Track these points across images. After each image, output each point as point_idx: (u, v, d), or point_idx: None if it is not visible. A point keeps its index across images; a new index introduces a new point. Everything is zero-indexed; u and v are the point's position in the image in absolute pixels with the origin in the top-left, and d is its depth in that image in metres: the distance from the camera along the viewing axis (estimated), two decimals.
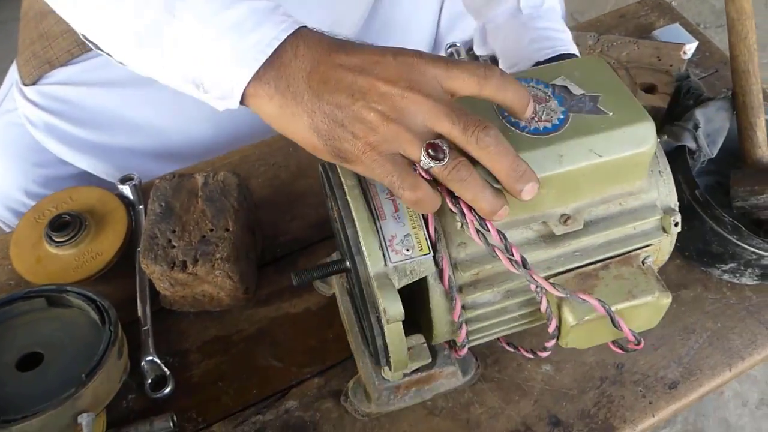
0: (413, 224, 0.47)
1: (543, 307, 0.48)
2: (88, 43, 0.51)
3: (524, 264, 0.45)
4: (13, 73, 0.86)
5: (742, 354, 0.64)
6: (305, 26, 0.44)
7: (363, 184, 0.48)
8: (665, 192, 0.52)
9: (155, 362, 0.62)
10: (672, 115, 0.74)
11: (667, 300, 0.50)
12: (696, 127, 0.68)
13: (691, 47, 0.87)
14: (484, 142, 0.42)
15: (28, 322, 0.61)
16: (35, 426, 0.52)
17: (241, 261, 0.64)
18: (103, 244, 0.69)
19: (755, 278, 0.66)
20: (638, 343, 0.50)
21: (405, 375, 0.57)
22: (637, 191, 0.50)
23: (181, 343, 0.65)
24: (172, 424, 0.58)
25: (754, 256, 0.63)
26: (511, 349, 0.59)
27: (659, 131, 0.72)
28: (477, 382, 0.62)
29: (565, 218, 0.48)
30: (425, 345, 0.53)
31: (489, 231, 0.44)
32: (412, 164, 0.43)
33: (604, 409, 0.60)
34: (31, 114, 0.81)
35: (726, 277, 0.67)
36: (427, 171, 0.43)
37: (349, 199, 0.47)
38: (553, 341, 0.51)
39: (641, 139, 0.46)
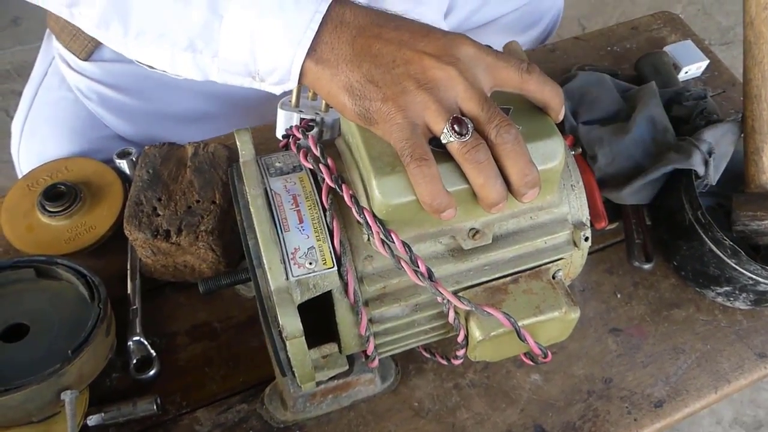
0: (318, 236, 0.45)
1: (450, 318, 0.48)
2: (140, 65, 0.51)
3: (430, 276, 0.45)
4: (50, 50, 0.83)
5: (728, 377, 0.64)
6: None
7: (268, 193, 0.47)
8: (576, 206, 0.51)
9: (142, 343, 0.61)
10: (678, 131, 0.74)
11: (575, 315, 0.49)
12: (710, 153, 0.68)
13: (701, 65, 0.87)
14: (504, 138, 0.43)
15: (15, 292, 0.60)
16: (17, 399, 0.51)
17: (226, 235, 0.63)
18: (97, 218, 0.68)
19: (749, 303, 0.66)
20: (545, 356, 0.49)
21: (321, 383, 0.55)
22: (547, 205, 0.50)
23: (170, 325, 0.64)
24: (155, 407, 0.57)
25: (750, 282, 0.63)
26: (428, 355, 0.59)
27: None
28: (465, 386, 0.61)
29: (474, 232, 0.47)
30: (341, 353, 0.51)
31: (394, 242, 0.43)
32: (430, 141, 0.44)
33: (589, 423, 0.60)
34: (84, 87, 0.80)
35: (719, 299, 0.67)
36: (445, 146, 0.43)
37: (252, 209, 0.45)
38: (463, 350, 0.50)
39: (550, 154, 0.46)
